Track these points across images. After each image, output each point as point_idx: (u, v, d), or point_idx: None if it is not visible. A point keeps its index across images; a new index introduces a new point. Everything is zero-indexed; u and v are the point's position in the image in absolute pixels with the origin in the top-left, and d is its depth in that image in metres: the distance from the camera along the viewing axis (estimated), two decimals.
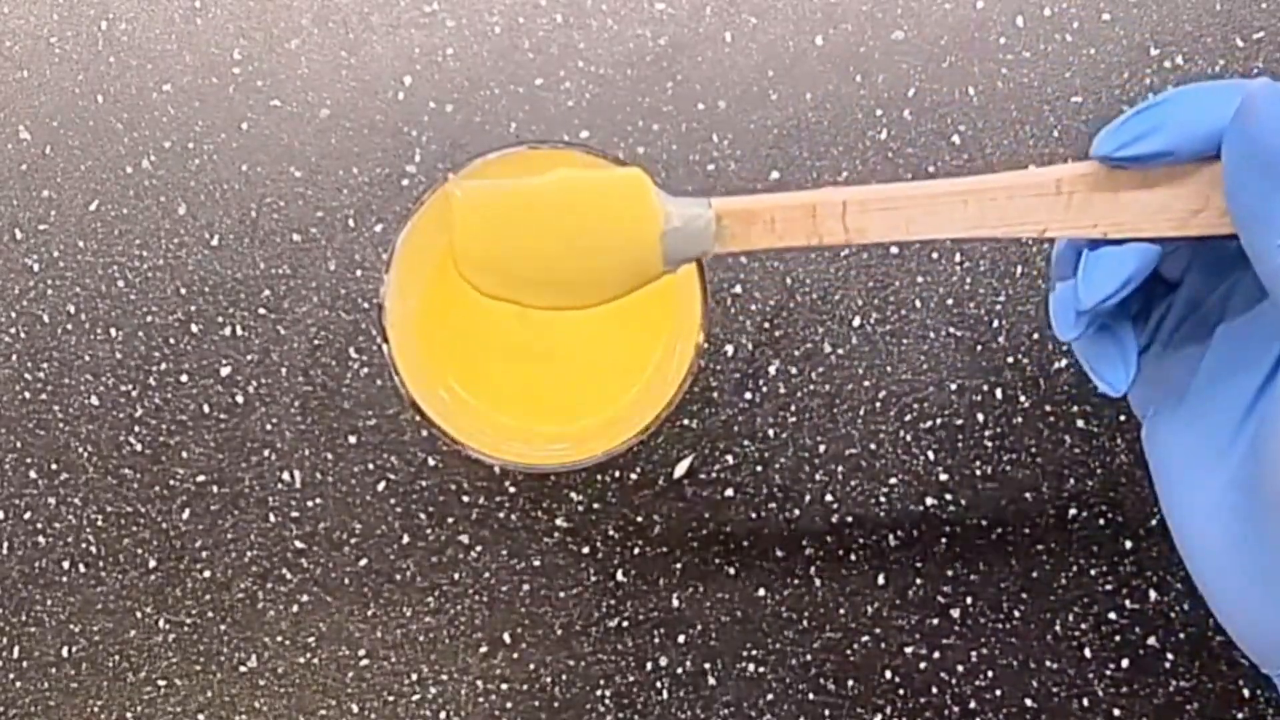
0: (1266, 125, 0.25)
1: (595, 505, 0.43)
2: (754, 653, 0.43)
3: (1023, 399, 0.43)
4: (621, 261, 0.30)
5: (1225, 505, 0.28)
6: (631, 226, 0.30)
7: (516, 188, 0.31)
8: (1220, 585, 0.28)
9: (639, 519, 0.43)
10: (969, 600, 0.43)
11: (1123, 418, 0.42)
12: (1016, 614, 0.43)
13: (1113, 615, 0.42)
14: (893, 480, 0.43)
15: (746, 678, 0.43)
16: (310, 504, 0.43)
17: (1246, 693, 0.42)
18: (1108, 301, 0.28)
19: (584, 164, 0.37)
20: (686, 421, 0.43)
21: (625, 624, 0.43)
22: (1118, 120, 0.28)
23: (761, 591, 0.43)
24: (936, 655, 0.43)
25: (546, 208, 0.31)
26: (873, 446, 0.43)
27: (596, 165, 0.36)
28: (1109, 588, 0.42)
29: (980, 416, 0.43)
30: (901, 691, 0.43)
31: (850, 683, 0.43)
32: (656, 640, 0.43)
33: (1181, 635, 0.42)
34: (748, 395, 0.43)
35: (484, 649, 0.43)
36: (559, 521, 0.43)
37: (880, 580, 0.43)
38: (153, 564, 0.43)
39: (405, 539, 0.43)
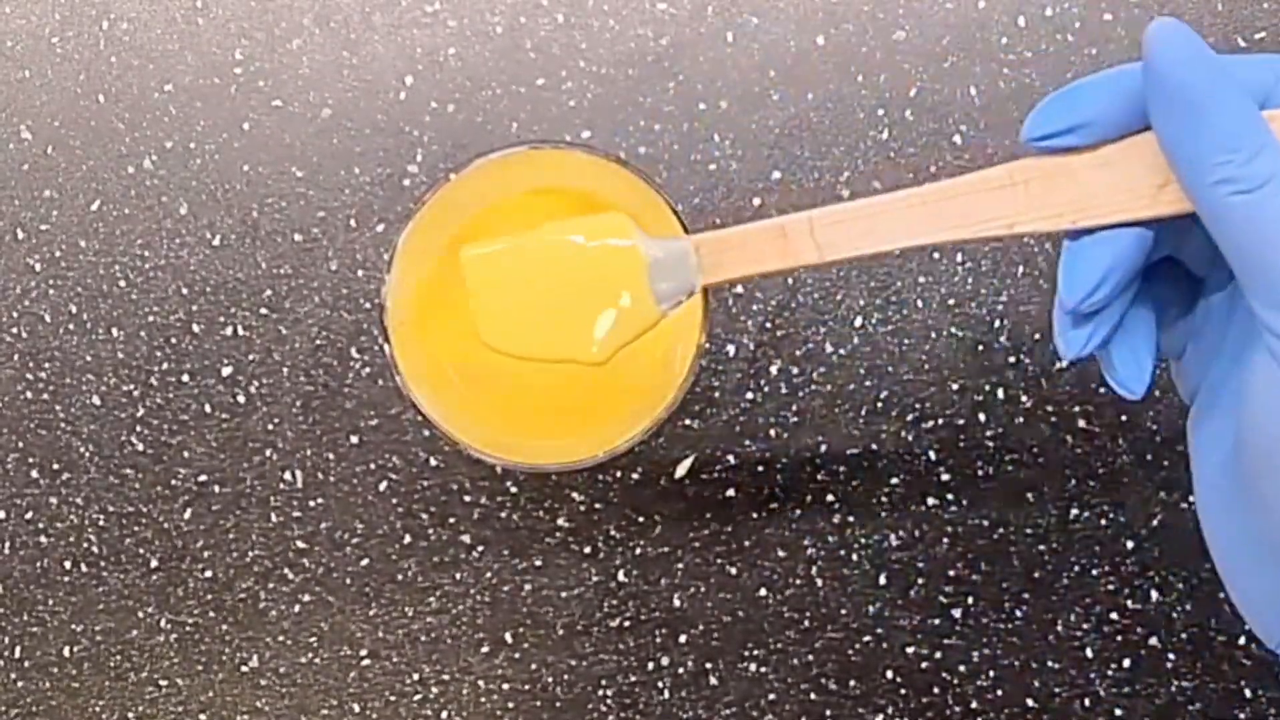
0: (1166, 56, 0.25)
1: (597, 505, 0.43)
2: (756, 652, 0.43)
3: (1024, 399, 0.43)
4: (617, 301, 0.31)
5: (1224, 479, 0.27)
6: (619, 265, 0.31)
7: (516, 244, 0.33)
8: (1224, 557, 0.28)
9: (641, 519, 0.43)
10: (970, 600, 0.43)
11: (1124, 418, 0.42)
12: (1018, 614, 0.43)
13: (1114, 615, 0.42)
14: (894, 480, 0.43)
15: (748, 677, 0.43)
16: (312, 504, 0.43)
17: (1248, 693, 0.42)
18: (1092, 297, 0.27)
19: (585, 164, 0.37)
20: (688, 421, 0.43)
21: (627, 624, 0.43)
22: (1039, 103, 0.28)
23: (763, 591, 0.43)
24: (938, 655, 0.43)
25: (544, 255, 0.32)
26: (874, 446, 0.43)
27: (595, 165, 0.36)
28: (1111, 588, 0.42)
29: (982, 416, 0.43)
30: (903, 691, 0.43)
31: (852, 682, 0.43)
32: (658, 640, 0.43)
33: (1183, 635, 0.42)
34: (749, 395, 0.43)
35: (486, 649, 0.43)
36: (561, 521, 0.43)
37: (882, 580, 0.43)
38: (154, 564, 0.43)
39: (407, 539, 0.43)
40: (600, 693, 0.43)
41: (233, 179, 0.44)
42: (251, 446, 0.43)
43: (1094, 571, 0.42)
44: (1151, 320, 0.30)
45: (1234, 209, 0.25)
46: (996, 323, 0.43)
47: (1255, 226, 0.25)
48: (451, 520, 0.43)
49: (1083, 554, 0.42)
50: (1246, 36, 0.43)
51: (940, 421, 0.43)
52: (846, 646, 0.43)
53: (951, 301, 0.43)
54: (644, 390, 0.39)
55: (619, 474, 0.43)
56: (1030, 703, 0.43)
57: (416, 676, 0.43)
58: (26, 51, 0.44)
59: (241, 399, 0.43)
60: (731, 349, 0.43)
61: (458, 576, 0.43)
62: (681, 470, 0.43)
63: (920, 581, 0.43)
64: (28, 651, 0.44)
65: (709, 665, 0.43)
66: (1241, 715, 0.42)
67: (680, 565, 0.43)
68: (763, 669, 0.43)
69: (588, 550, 0.43)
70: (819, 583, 0.43)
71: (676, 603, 0.43)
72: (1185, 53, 0.25)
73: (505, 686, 0.43)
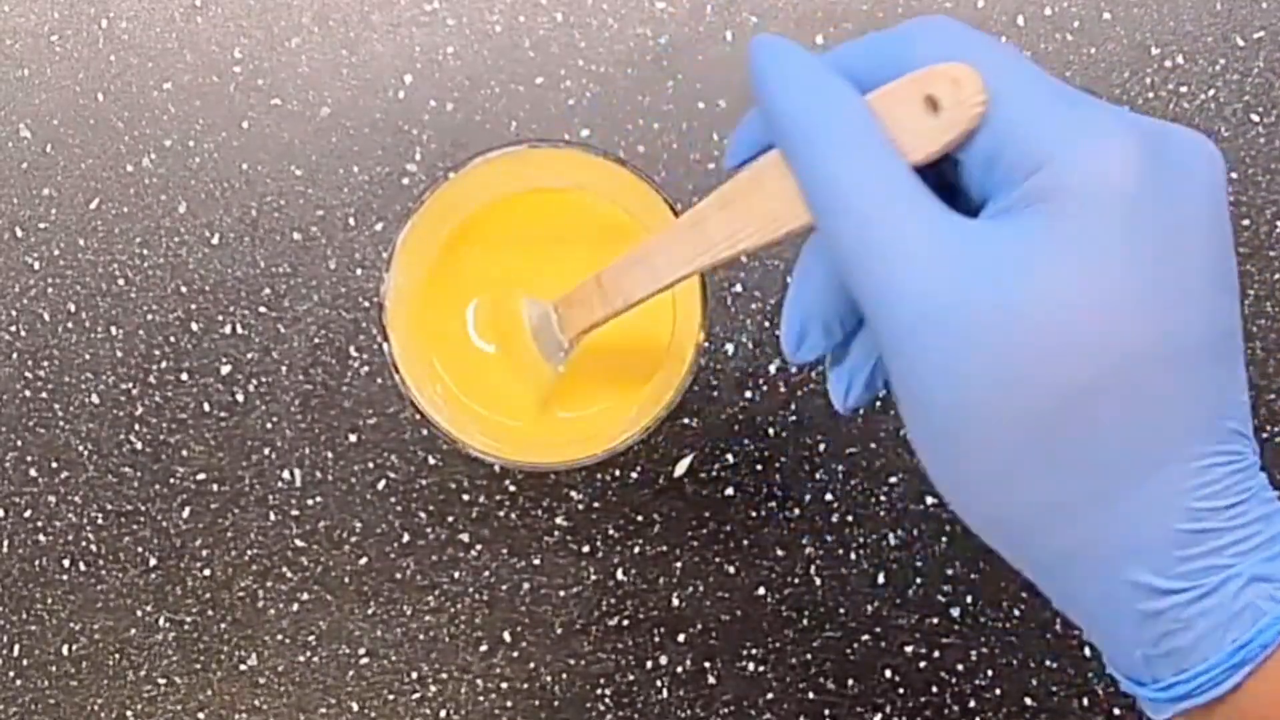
0: (760, 83, 0.25)
1: (595, 504, 0.43)
2: (754, 651, 0.43)
3: None
4: (526, 364, 0.37)
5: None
6: (514, 332, 0.36)
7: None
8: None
9: (639, 518, 0.43)
10: (969, 599, 0.43)
11: None
12: (1016, 613, 0.43)
13: None
14: (893, 479, 0.43)
15: (746, 676, 0.43)
16: (310, 502, 0.43)
17: None
18: (802, 348, 0.27)
19: (584, 163, 0.37)
20: (687, 420, 0.43)
21: (625, 623, 0.43)
22: (734, 131, 0.28)
23: (761, 590, 0.43)
24: (936, 654, 0.43)
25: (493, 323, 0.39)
26: (873, 445, 0.43)
27: (594, 164, 0.36)
28: None
29: None
30: (901, 690, 0.43)
31: (850, 681, 0.43)
32: (656, 639, 0.43)
33: None
34: (748, 394, 0.43)
35: (484, 648, 0.43)
36: (559, 520, 0.43)
37: (880, 579, 0.43)
38: (153, 562, 0.43)
39: (405, 537, 0.43)
40: (598, 692, 0.43)
41: (231, 177, 0.44)
42: (250, 445, 0.43)
43: None
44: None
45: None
46: None
47: (832, 249, 0.25)
48: (450, 519, 0.43)
49: None
50: (1245, 36, 0.43)
51: None
52: (845, 645, 0.43)
53: None
54: (643, 389, 0.39)
55: (617, 473, 0.43)
56: (1028, 701, 0.43)
57: (415, 675, 0.43)
58: (26, 50, 0.44)
59: (240, 397, 0.43)
60: (730, 348, 0.43)
61: (456, 575, 0.43)
62: (680, 469, 0.43)
63: (919, 580, 0.43)
64: (26, 650, 0.44)
65: (707, 664, 0.43)
66: None
67: (678, 564, 0.43)
68: (761, 668, 0.43)
69: (586, 549, 0.43)
70: (817, 582, 0.43)
71: (675, 602, 0.43)
72: (774, 77, 0.25)
73: (503, 685, 0.43)
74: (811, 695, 0.43)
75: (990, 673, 0.43)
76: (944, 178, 0.25)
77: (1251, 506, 0.23)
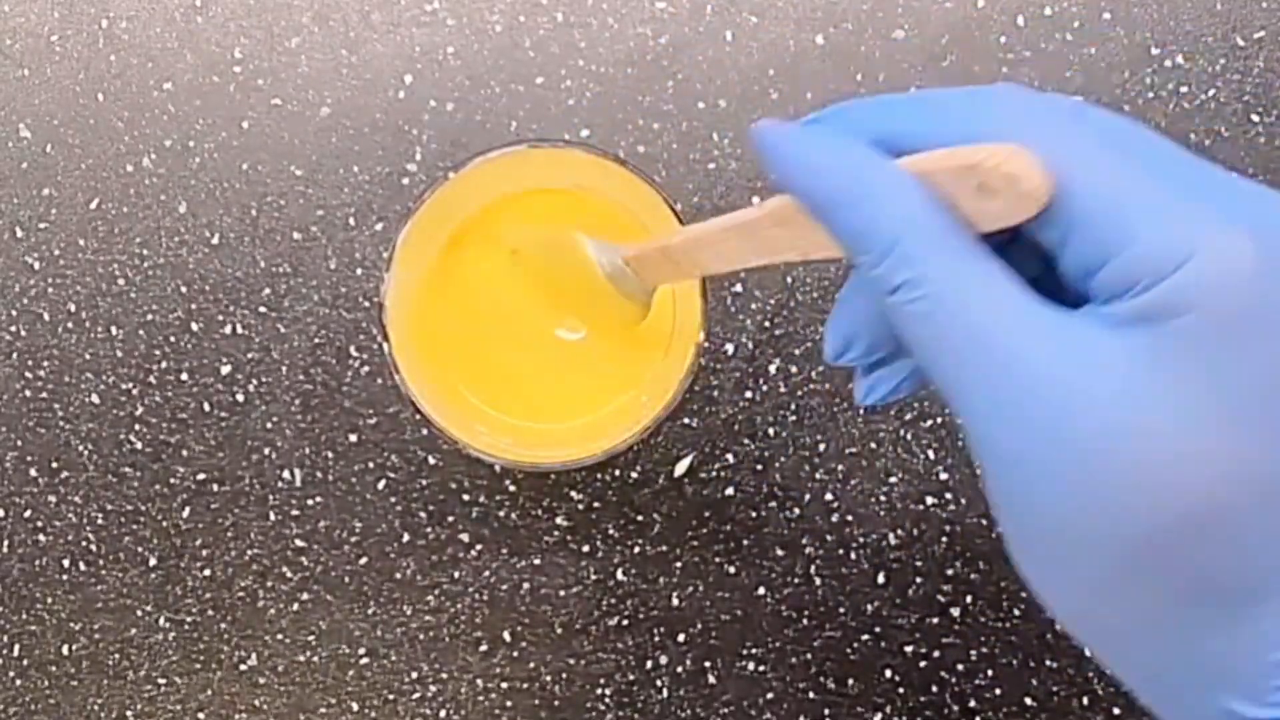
0: (775, 165, 0.25)
1: (595, 504, 0.43)
2: (754, 651, 0.43)
3: None
4: (602, 302, 0.35)
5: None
6: (583, 275, 0.35)
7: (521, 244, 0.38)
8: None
9: (639, 517, 0.43)
10: (969, 599, 0.43)
11: None
12: (1016, 612, 0.43)
13: None
14: (893, 479, 0.43)
15: (746, 676, 0.43)
16: (310, 502, 0.43)
17: None
18: (844, 357, 0.27)
19: (584, 163, 0.37)
20: (687, 420, 0.43)
21: (625, 622, 0.43)
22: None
23: (761, 590, 0.43)
24: (936, 654, 0.43)
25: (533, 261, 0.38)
26: (873, 445, 0.43)
27: (594, 164, 0.36)
28: None
29: None
30: (901, 690, 0.43)
31: (850, 681, 0.43)
32: (656, 639, 0.43)
33: None
34: (748, 394, 0.43)
35: (484, 647, 0.43)
36: (559, 520, 0.43)
37: (880, 579, 0.43)
38: (153, 562, 0.43)
39: (405, 537, 0.43)
40: (598, 691, 0.43)
41: (231, 177, 0.44)
42: (250, 445, 0.43)
43: None
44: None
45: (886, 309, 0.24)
46: None
47: (900, 329, 0.24)
48: (450, 519, 0.43)
49: None
50: (1246, 36, 0.43)
51: (939, 420, 0.43)
52: (845, 645, 0.43)
53: None
54: (643, 389, 0.39)
55: (617, 473, 0.43)
56: (1029, 701, 0.43)
57: (415, 675, 0.43)
58: (26, 50, 0.44)
59: (240, 397, 0.43)
60: (730, 348, 0.43)
61: (456, 575, 0.43)
62: (680, 469, 0.43)
63: (919, 580, 0.43)
64: (26, 650, 0.44)
65: (707, 664, 0.43)
66: None
67: (679, 564, 0.43)
68: (761, 668, 0.43)
69: (586, 549, 0.43)
70: (817, 581, 0.43)
71: (675, 601, 0.43)
72: (786, 158, 0.24)
73: (503, 685, 0.43)
74: (812, 695, 0.43)
75: (990, 673, 0.43)
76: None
77: None
